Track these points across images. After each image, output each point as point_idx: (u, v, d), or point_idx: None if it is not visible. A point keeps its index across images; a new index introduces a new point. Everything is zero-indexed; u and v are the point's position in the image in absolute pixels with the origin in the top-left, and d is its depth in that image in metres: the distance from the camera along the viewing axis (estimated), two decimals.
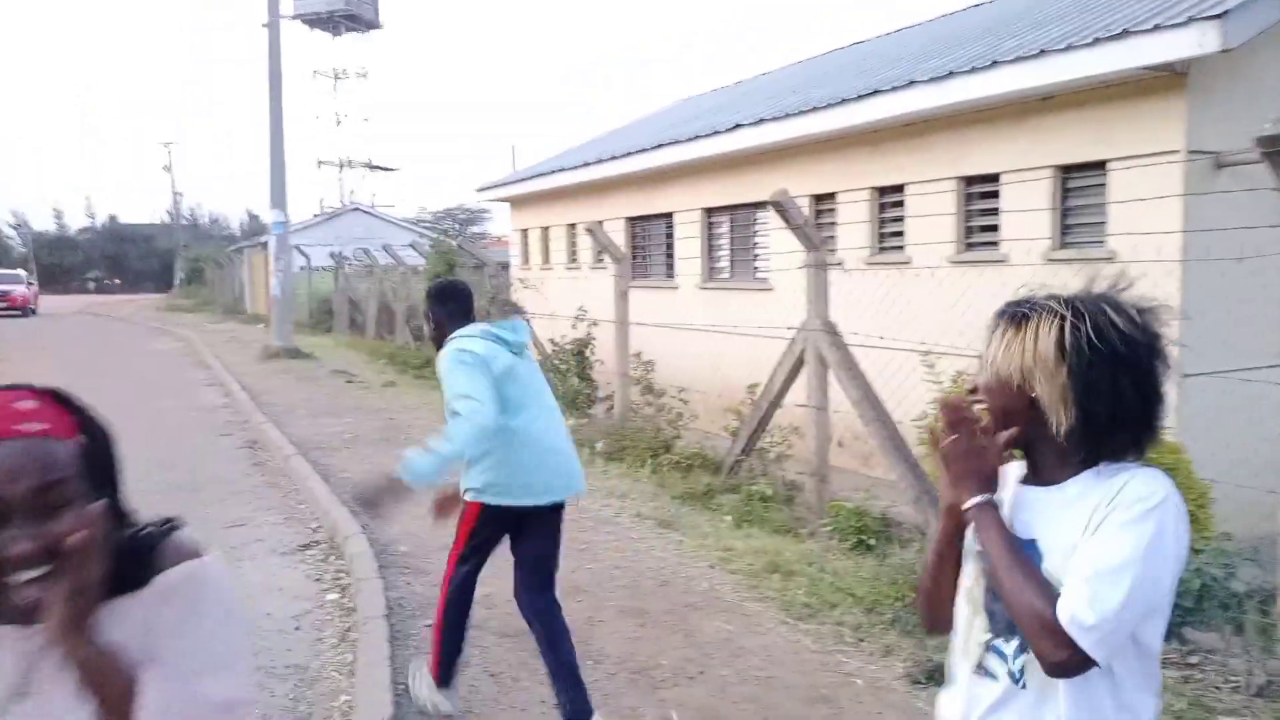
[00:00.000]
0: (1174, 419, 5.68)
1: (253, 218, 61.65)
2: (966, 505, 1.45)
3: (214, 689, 1.22)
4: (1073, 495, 1.41)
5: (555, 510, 3.31)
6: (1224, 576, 4.05)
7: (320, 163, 46.53)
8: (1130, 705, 1.39)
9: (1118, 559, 1.30)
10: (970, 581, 1.50)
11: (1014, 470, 1.54)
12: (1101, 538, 1.32)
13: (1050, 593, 1.34)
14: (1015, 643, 1.43)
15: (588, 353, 9.71)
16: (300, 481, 7.25)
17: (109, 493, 1.22)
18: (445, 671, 3.40)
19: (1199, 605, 3.95)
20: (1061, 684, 1.38)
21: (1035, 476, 1.49)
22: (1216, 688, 3.53)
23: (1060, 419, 1.40)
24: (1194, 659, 3.72)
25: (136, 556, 1.25)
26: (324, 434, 9.01)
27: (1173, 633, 3.87)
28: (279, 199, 16.89)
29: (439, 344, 3.31)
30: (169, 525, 1.31)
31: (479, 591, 3.41)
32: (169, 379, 14.47)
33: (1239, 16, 5.62)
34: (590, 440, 7.87)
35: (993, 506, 1.45)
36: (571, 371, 9.60)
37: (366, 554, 5.21)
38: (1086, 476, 1.42)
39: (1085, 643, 1.29)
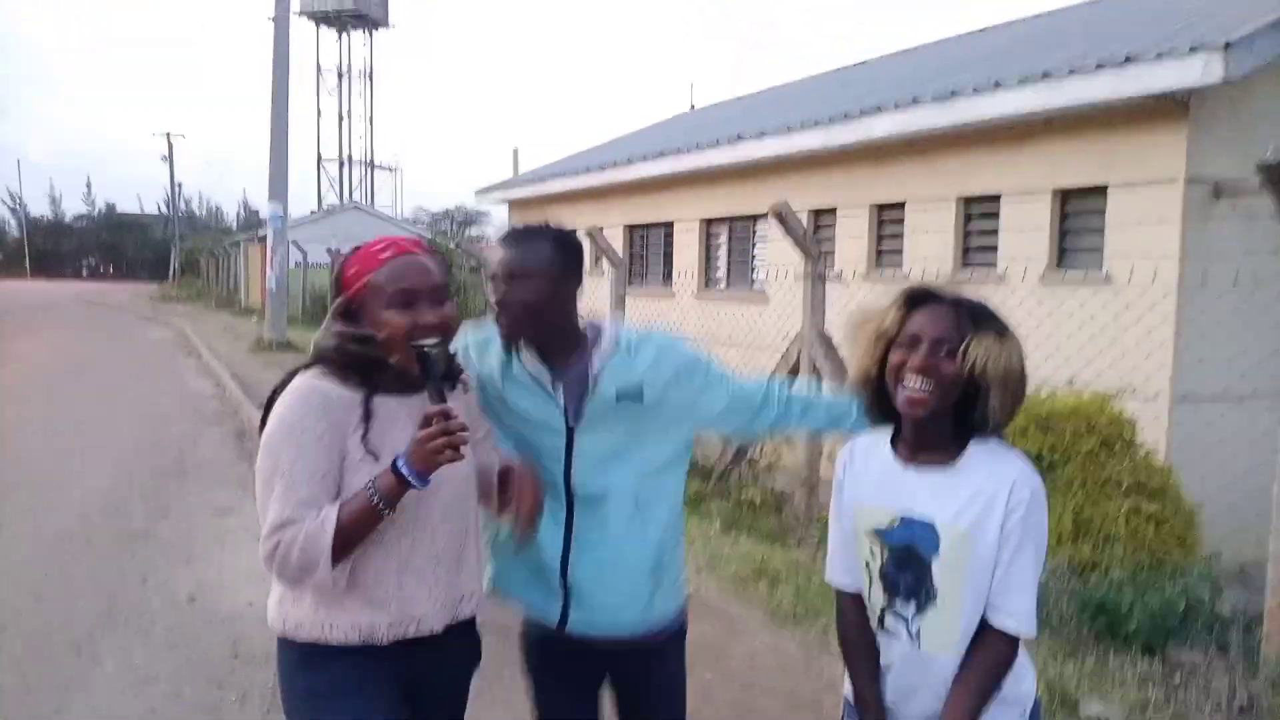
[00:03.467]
0: (1165, 443, 5.74)
1: (250, 211, 61.57)
2: None
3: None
4: (964, 475, 1.65)
5: None
6: (1210, 598, 4.07)
7: (321, 160, 46.53)
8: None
9: (1032, 569, 1.63)
10: (867, 556, 1.72)
11: (867, 445, 1.78)
12: (1016, 549, 1.61)
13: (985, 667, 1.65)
14: (912, 607, 1.68)
15: None
16: None
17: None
18: None
19: (1184, 625, 3.96)
20: (955, 645, 1.65)
21: (916, 454, 1.68)
22: (1199, 707, 3.53)
23: (998, 415, 1.63)
24: (1177, 678, 3.73)
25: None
26: None
27: (1157, 651, 3.88)
28: (279, 192, 16.89)
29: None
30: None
31: None
32: (160, 367, 14.42)
33: (1243, 48, 5.67)
34: None
35: None
36: None
37: None
38: (973, 455, 1.66)
39: (1028, 635, 1.64)
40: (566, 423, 1.94)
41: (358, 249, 1.80)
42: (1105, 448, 4.82)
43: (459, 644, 1.91)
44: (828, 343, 5.93)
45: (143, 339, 19.13)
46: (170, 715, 3.46)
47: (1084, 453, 4.74)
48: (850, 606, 1.80)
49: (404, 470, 1.63)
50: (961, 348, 1.59)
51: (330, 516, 1.62)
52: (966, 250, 7.88)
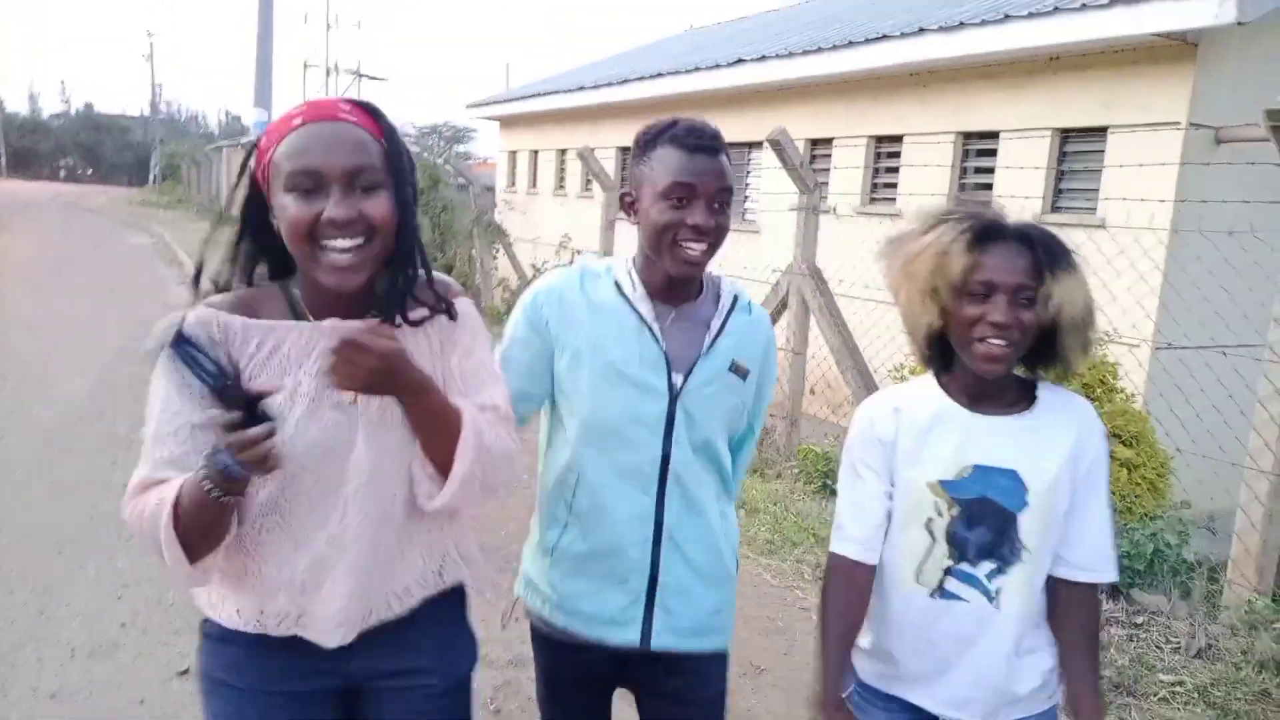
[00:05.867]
0: (1145, 389, 5.78)
1: (232, 118, 60.15)
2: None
3: (497, 397, 1.41)
4: (1043, 420, 1.52)
5: None
6: (1177, 544, 4.16)
7: (307, 65, 45.19)
8: None
9: (1110, 516, 1.54)
10: (930, 513, 1.52)
11: (912, 394, 1.57)
12: (1097, 496, 1.52)
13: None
14: (991, 565, 1.51)
15: None
16: None
17: (405, 203, 1.32)
18: None
19: (1150, 569, 4.05)
20: (1031, 601, 1.52)
21: (980, 400, 1.52)
22: (1159, 647, 3.62)
23: (1071, 356, 1.50)
24: (1140, 619, 3.83)
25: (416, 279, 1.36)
26: None
27: (1122, 594, 3.98)
28: (264, 98, 16.44)
29: None
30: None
31: None
32: (142, 274, 14.21)
33: None
34: None
35: None
36: None
37: None
38: (1046, 400, 1.53)
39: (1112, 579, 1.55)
40: (670, 386, 1.55)
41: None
42: (1085, 392, 4.86)
43: (423, 637, 1.44)
44: (818, 276, 5.89)
45: (123, 245, 18.82)
46: (152, 620, 3.49)
47: None
48: (864, 579, 1.57)
49: (225, 459, 1.19)
50: (1043, 294, 1.42)
51: (169, 496, 1.23)
52: (963, 187, 7.80)
